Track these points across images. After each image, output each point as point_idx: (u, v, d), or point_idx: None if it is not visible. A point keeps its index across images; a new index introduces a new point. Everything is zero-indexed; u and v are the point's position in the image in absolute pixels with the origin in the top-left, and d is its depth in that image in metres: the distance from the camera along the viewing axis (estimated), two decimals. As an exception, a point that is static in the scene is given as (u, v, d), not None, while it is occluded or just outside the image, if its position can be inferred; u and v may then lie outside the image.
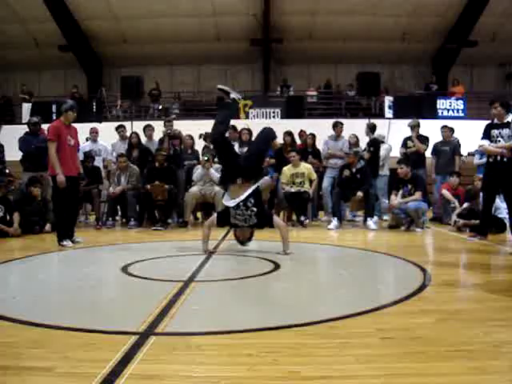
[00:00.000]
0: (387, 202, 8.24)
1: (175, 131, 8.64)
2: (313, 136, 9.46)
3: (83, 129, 8.54)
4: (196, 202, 8.28)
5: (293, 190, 8.15)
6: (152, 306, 3.09)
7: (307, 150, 9.25)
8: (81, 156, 8.96)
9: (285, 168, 8.38)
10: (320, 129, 9.66)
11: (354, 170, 8.10)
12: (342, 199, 8.21)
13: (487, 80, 19.11)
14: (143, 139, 9.11)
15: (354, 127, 9.91)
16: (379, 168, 8.96)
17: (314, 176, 8.42)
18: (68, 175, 5.92)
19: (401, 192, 7.65)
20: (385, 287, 4.10)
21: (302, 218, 8.10)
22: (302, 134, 9.89)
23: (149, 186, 7.88)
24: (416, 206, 7.45)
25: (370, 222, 7.87)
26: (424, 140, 8.91)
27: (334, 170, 8.96)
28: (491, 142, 6.04)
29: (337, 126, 9.36)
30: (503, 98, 6.41)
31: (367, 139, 9.19)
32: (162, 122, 9.23)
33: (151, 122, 9.99)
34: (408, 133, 9.13)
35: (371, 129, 9.22)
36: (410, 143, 8.99)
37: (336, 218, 7.95)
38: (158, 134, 9.12)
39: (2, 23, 17.07)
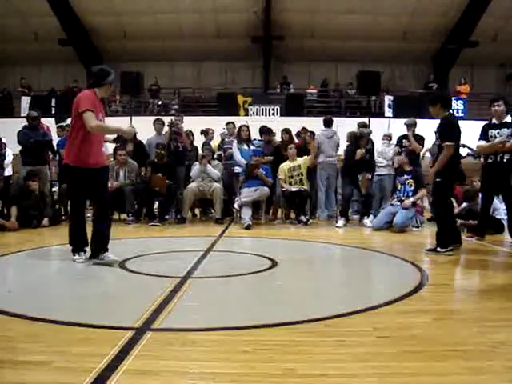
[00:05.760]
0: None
1: (178, 125, 8.59)
2: (312, 134, 9.43)
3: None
4: (194, 198, 8.29)
5: (293, 189, 8.10)
6: (149, 301, 3.09)
7: (306, 147, 9.19)
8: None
9: (282, 164, 8.36)
10: (319, 127, 9.64)
11: (363, 150, 8.02)
12: (352, 186, 8.09)
13: (487, 81, 19.08)
14: (152, 133, 9.05)
15: (354, 126, 9.90)
16: (389, 167, 8.96)
17: (308, 158, 8.41)
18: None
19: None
20: (381, 286, 4.10)
21: (303, 218, 8.01)
22: (302, 131, 9.85)
23: (149, 174, 7.93)
24: (403, 222, 7.21)
25: (367, 221, 7.87)
26: (420, 140, 8.89)
27: (329, 167, 8.97)
28: (489, 142, 6.03)
29: (332, 123, 9.32)
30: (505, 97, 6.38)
31: None
32: (162, 118, 9.23)
33: (150, 118, 9.97)
34: (404, 132, 9.12)
35: (362, 128, 9.22)
36: (405, 142, 8.96)
37: (344, 218, 7.92)
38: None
39: (2, 17, 16.99)
